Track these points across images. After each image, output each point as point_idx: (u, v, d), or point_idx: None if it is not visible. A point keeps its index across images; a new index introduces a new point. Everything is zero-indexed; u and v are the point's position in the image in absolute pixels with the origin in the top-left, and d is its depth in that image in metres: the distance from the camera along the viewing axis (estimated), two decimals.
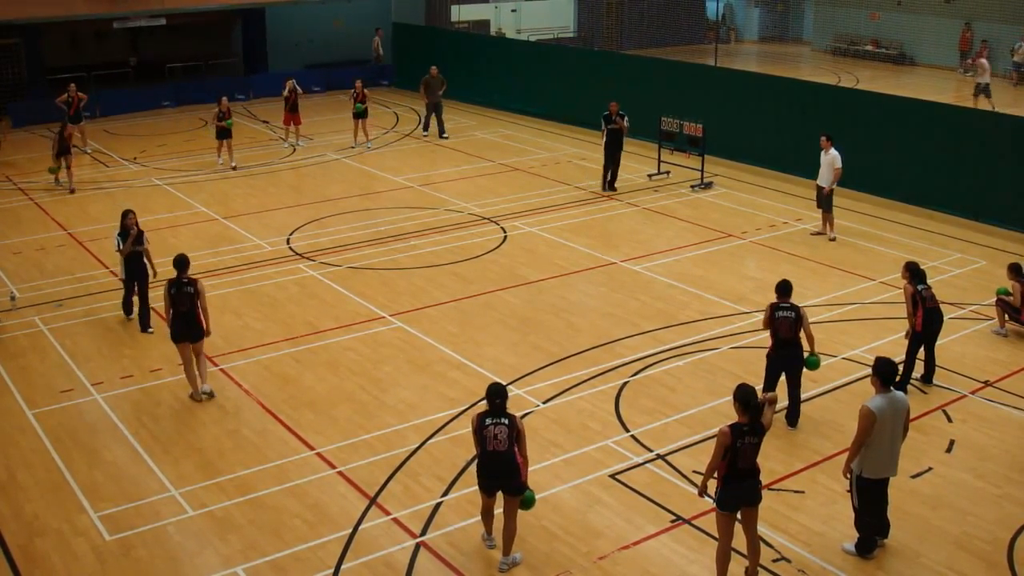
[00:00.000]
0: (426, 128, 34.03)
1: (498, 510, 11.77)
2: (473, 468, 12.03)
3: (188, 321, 15.36)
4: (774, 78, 33.16)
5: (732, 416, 14.48)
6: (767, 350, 14.73)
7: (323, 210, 25.10)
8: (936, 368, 16.02)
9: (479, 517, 12.09)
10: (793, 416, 14.76)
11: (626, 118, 26.68)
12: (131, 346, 17.30)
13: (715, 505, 11.05)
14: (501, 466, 11.31)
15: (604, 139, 26.69)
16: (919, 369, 15.98)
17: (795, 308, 14.40)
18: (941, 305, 15.90)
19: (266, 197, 26.52)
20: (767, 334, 14.74)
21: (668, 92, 30.86)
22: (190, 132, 34.52)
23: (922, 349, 15.84)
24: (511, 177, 28.31)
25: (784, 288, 14.58)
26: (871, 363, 15.97)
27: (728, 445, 10.70)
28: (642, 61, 34.63)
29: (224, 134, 29.14)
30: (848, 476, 11.68)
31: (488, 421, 11.31)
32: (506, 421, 11.29)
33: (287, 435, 14.63)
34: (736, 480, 10.82)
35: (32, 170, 29.21)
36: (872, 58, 50.12)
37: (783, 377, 14.55)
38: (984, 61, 37.61)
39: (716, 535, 11.43)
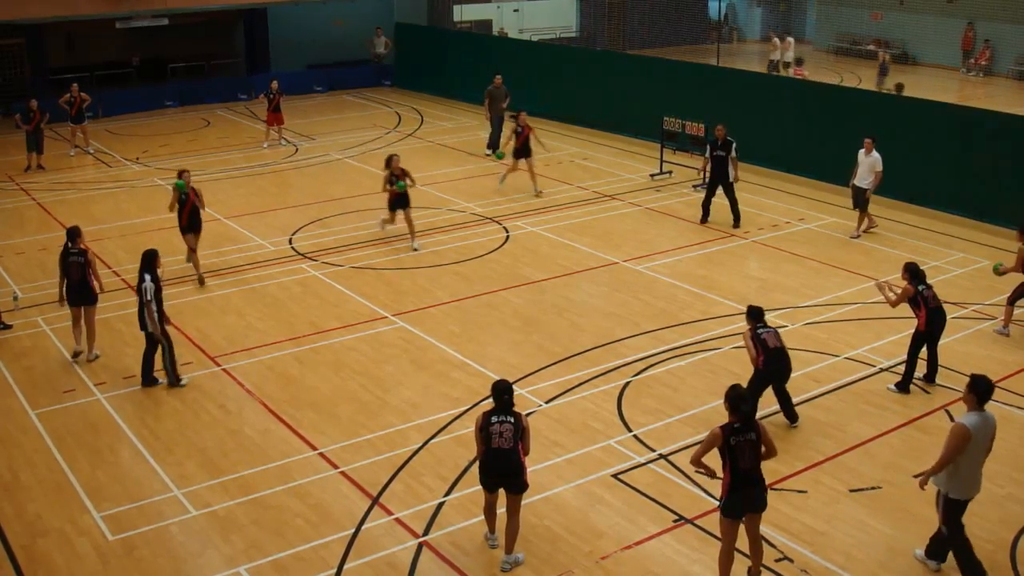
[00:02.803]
0: (494, 147, 30.44)
1: (501, 509, 11.78)
2: (475, 468, 12.06)
3: (79, 288, 16.90)
4: (776, 78, 33.14)
5: None
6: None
7: (326, 210, 25.10)
8: (939, 368, 16.02)
9: (482, 516, 12.10)
10: (791, 415, 14.77)
11: (735, 146, 23.63)
12: (133, 346, 17.26)
13: (719, 510, 10.99)
14: (504, 464, 11.33)
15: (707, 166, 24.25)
16: (922, 368, 15.97)
17: (772, 328, 14.59)
18: (944, 305, 15.93)
19: (269, 197, 26.54)
20: None
21: (670, 92, 30.87)
22: (192, 132, 34.55)
23: (924, 349, 15.86)
24: (513, 177, 28.28)
25: (757, 314, 14.52)
26: (873, 363, 16.05)
27: (720, 446, 10.67)
28: (644, 61, 34.62)
29: (400, 202, 22.22)
30: (924, 487, 11.20)
31: (494, 419, 11.34)
32: (511, 420, 11.33)
33: (289, 435, 14.64)
34: (741, 487, 10.73)
35: (35, 171, 29.26)
36: (875, 58, 50.02)
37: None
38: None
39: (719, 535, 11.44)
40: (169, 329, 16.20)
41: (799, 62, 39.48)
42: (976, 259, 21.50)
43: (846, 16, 51.90)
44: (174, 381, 16.02)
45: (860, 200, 22.76)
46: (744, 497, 10.79)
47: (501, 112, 30.73)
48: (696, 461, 10.92)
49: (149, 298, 15.53)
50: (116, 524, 12.55)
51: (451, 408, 15.29)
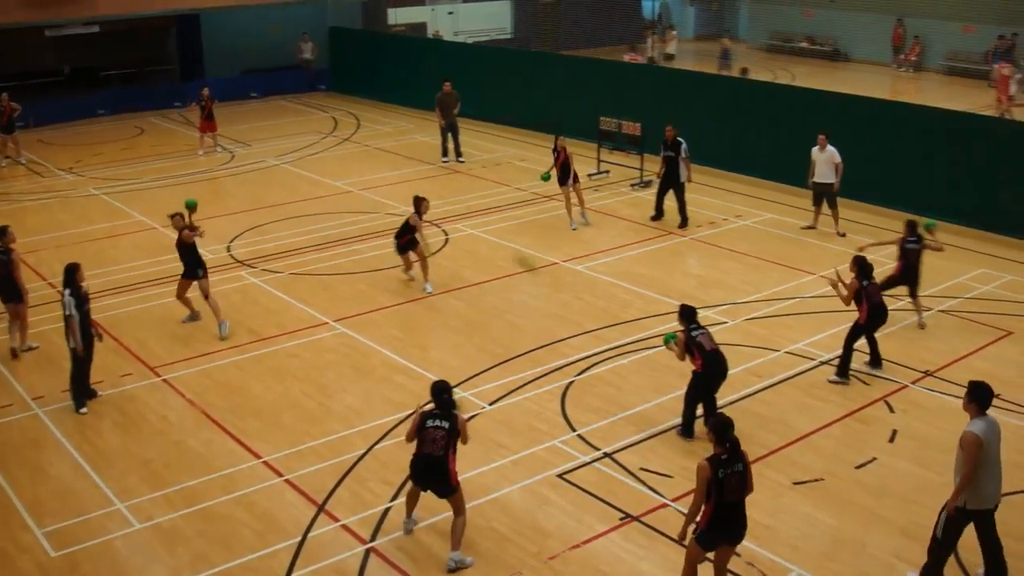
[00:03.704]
0: (445, 153, 30.36)
1: (449, 513, 11.80)
2: None
3: (3, 286, 17.20)
4: (711, 76, 33.39)
5: (676, 411, 14.70)
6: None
7: (264, 216, 24.94)
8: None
9: (428, 521, 12.10)
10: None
11: (684, 146, 23.63)
12: (69, 360, 17.07)
13: (694, 537, 10.50)
14: (432, 469, 11.54)
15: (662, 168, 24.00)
16: (862, 358, 16.21)
17: (705, 328, 14.37)
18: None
19: (205, 205, 26.12)
20: (713, 330, 14.83)
21: (606, 92, 31.00)
22: (126, 140, 34.15)
23: (862, 342, 16.14)
24: (451, 179, 28.30)
25: (690, 313, 14.34)
26: (812, 357, 16.21)
27: (709, 479, 10.07)
28: (579, 61, 34.75)
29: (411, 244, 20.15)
30: (952, 513, 10.66)
31: (429, 423, 11.50)
32: (447, 425, 11.46)
33: (233, 444, 14.53)
34: (724, 521, 10.25)
35: None
36: (807, 55, 50.69)
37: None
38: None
39: (666, 533, 11.52)
40: (107, 340, 15.99)
41: None
42: None
43: (778, 14, 52.50)
44: (77, 405, 15.62)
45: (828, 196, 22.77)
46: (724, 532, 10.38)
47: (453, 119, 30.02)
48: (692, 515, 10.30)
49: (70, 313, 15.28)
50: (59, 540, 12.38)
51: (395, 413, 15.25)
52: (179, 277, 18.49)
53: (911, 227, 18.13)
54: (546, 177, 24.17)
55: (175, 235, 18.32)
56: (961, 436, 10.54)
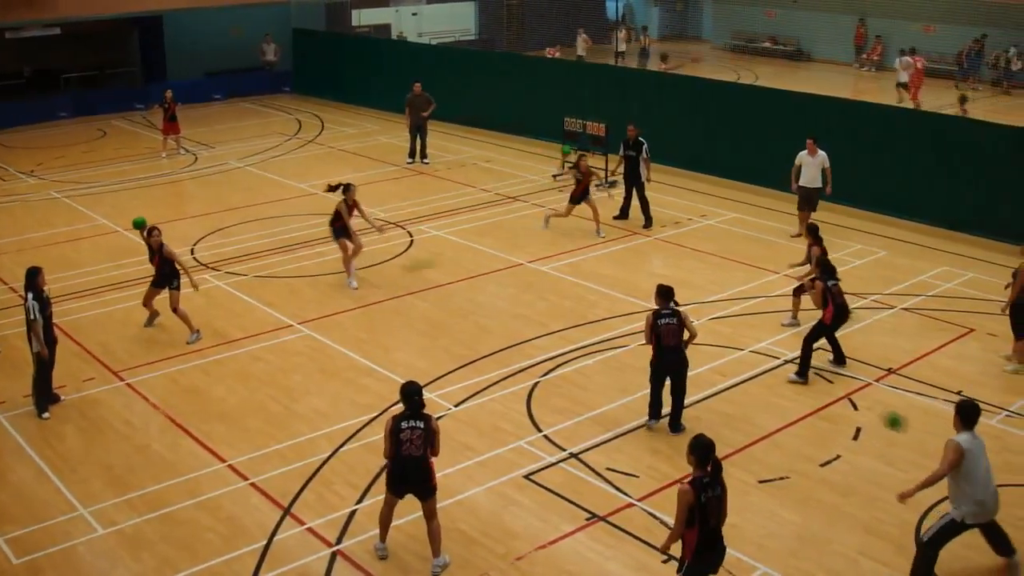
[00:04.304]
0: (412, 155, 30.20)
1: (417, 514, 11.76)
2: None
3: None
4: (674, 76, 33.50)
5: (642, 411, 14.74)
6: (650, 359, 14.51)
7: (227, 219, 24.82)
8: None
9: (392, 523, 12.01)
10: (675, 422, 14.56)
11: (645, 147, 23.81)
12: (33, 364, 16.93)
13: (680, 572, 10.13)
14: (414, 471, 11.36)
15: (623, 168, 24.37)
16: (822, 357, 16.31)
17: (677, 313, 14.21)
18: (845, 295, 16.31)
19: (168, 208, 26.16)
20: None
21: (570, 92, 31.03)
22: (88, 143, 33.89)
23: (823, 341, 16.24)
24: (416, 181, 28.26)
25: (666, 293, 14.32)
26: (777, 356, 16.28)
27: (692, 504, 9.71)
28: (543, 62, 34.84)
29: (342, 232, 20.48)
30: (905, 502, 11.08)
31: (404, 425, 11.27)
32: (421, 425, 11.28)
33: (197, 448, 14.44)
34: (709, 547, 9.94)
35: None
36: (770, 55, 50.98)
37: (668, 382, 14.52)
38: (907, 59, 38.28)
39: (630, 531, 11.53)
40: (70, 344, 15.86)
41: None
42: (873, 250, 21.98)
43: (741, 15, 52.79)
44: (39, 410, 15.48)
45: (813, 201, 22.55)
46: (708, 560, 10.05)
47: (422, 121, 29.89)
48: (672, 539, 10.07)
49: (33, 317, 15.14)
50: (20, 547, 12.26)
51: (360, 415, 15.21)
52: (149, 285, 18.27)
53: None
54: (567, 150, 25.86)
55: (139, 239, 18.13)
56: (947, 443, 10.84)
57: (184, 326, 17.98)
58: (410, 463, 11.30)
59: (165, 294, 17.95)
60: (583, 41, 45.63)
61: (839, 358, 16.49)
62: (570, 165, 23.66)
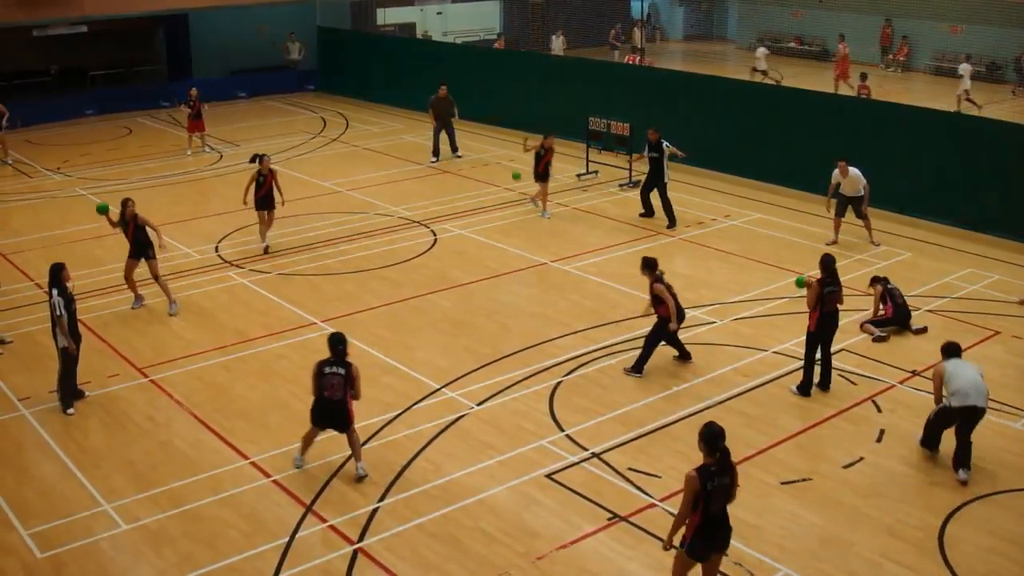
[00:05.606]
0: (435, 154, 30.27)
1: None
2: (408, 474, 12.75)
3: None
4: (698, 76, 33.39)
5: (665, 411, 14.72)
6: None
7: (251, 217, 24.79)
8: (832, 371, 15.93)
9: (413, 521, 12.15)
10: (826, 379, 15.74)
11: (666, 144, 23.96)
12: (56, 359, 17.02)
13: (683, 550, 10.21)
14: (332, 411, 13.22)
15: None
16: (848, 361, 16.20)
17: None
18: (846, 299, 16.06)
19: (193, 205, 26.27)
20: (701, 330, 14.82)
21: (595, 92, 31.00)
22: (113, 141, 34.06)
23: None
24: (440, 180, 28.28)
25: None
26: (800, 357, 16.15)
27: (698, 491, 9.82)
28: (568, 61, 34.77)
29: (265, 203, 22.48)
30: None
31: (327, 369, 13.11)
32: (342, 371, 13.08)
33: (220, 445, 14.49)
34: (710, 529, 10.03)
35: None
36: (796, 55, 50.80)
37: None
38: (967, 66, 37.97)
39: (653, 533, 11.48)
40: (94, 340, 15.94)
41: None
42: (897, 251, 21.89)
43: (767, 14, 52.58)
44: (64, 406, 15.56)
45: (856, 207, 22.16)
46: (710, 539, 10.12)
47: (448, 122, 30.08)
48: (678, 524, 10.09)
49: (59, 313, 15.23)
50: (44, 541, 12.33)
51: (382, 413, 15.23)
52: (127, 258, 19.04)
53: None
54: (516, 176, 26.33)
55: (150, 229, 18.75)
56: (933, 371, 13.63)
57: (168, 305, 18.87)
58: (330, 404, 13.16)
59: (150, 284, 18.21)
60: (561, 43, 46.62)
61: (824, 383, 15.74)
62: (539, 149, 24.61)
